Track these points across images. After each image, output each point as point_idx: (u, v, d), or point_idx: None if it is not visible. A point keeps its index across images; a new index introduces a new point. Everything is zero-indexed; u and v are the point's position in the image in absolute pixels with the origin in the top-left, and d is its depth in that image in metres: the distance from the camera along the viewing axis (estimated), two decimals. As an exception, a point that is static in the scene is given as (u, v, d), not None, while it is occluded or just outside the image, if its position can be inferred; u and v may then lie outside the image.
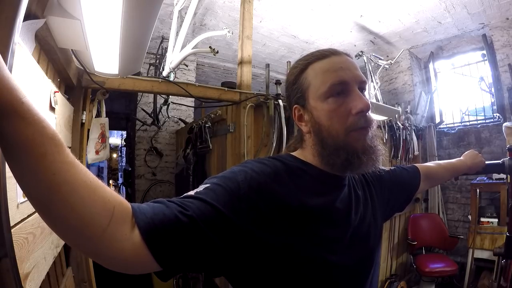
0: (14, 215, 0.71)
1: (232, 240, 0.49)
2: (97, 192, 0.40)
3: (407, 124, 3.35)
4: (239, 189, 0.52)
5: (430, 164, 1.06)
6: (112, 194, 0.42)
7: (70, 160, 0.38)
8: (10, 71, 0.43)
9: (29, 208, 0.81)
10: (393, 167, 0.89)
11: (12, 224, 0.65)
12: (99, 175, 10.52)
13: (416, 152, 3.47)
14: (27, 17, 0.80)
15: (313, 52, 0.66)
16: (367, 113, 0.60)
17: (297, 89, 0.65)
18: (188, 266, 0.48)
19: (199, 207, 0.48)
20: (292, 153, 0.69)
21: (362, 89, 0.62)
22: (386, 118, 2.85)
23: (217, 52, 1.91)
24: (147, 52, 1.21)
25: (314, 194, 0.60)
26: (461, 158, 1.12)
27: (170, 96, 3.39)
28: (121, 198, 0.43)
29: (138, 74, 1.81)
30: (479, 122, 3.76)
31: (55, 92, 1.08)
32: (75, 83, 1.45)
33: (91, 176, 0.40)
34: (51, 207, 0.37)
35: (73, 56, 1.28)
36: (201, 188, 0.53)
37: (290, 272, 0.55)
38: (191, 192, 0.52)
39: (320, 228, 0.58)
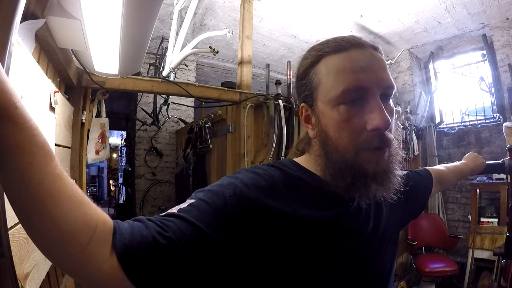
0: (14, 215, 0.70)
1: (216, 261, 0.45)
2: (81, 208, 0.38)
3: (407, 124, 3.34)
4: (226, 206, 0.47)
5: (440, 167, 1.01)
6: (96, 212, 0.40)
7: (58, 172, 0.37)
8: (8, 71, 0.43)
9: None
10: (405, 172, 0.76)
11: (12, 224, 0.65)
12: (99, 175, 10.52)
13: (416, 152, 3.47)
14: (27, 17, 0.80)
15: (329, 40, 0.54)
16: (385, 132, 0.49)
17: (305, 86, 0.55)
18: None
19: (180, 227, 0.44)
20: (296, 159, 0.61)
21: (387, 95, 0.51)
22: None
23: (217, 52, 1.92)
24: (147, 52, 1.21)
25: (316, 209, 0.52)
26: (463, 161, 1.11)
27: (170, 96, 3.39)
28: (105, 217, 0.41)
29: (138, 74, 1.81)
30: (479, 122, 3.75)
31: (55, 92, 1.08)
32: (75, 83, 1.45)
33: (77, 191, 0.39)
34: (32, 217, 0.36)
35: (73, 56, 1.28)
36: (185, 204, 0.48)
37: None
38: (174, 209, 0.48)
39: (320, 247, 0.51)
